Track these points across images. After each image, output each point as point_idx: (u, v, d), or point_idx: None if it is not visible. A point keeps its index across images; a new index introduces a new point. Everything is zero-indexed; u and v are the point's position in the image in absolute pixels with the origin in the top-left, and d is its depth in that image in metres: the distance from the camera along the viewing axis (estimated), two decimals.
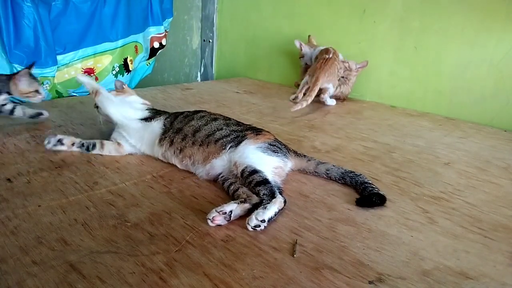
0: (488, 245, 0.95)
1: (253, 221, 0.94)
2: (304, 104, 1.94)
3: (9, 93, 1.54)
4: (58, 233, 0.91)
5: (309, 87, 2.08)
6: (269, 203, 0.99)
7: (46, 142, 1.36)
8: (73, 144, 1.37)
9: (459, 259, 0.88)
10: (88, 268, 0.79)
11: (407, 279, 0.81)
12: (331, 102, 2.19)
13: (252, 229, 0.95)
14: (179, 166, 1.27)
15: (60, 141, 1.36)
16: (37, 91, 1.57)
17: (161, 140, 1.29)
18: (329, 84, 2.12)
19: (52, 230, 0.91)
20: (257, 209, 0.98)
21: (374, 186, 1.15)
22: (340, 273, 0.82)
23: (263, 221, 0.95)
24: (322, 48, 2.25)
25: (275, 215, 0.99)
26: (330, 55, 2.13)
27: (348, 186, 1.21)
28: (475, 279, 0.82)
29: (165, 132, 1.29)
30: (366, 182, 1.17)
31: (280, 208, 1.01)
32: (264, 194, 1.02)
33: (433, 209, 1.10)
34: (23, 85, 1.54)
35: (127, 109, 1.37)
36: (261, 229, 0.95)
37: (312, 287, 0.77)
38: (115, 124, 1.39)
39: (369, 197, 1.11)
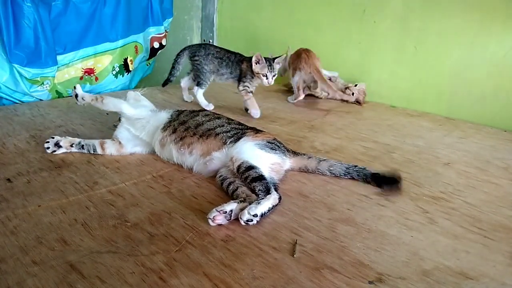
0: (488, 245, 0.95)
1: (245, 215, 0.95)
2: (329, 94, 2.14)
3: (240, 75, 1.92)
4: (58, 233, 0.91)
5: (304, 82, 2.21)
6: (263, 198, 1.00)
7: (46, 147, 1.35)
8: (72, 145, 1.36)
9: (459, 259, 0.88)
10: (88, 268, 0.79)
11: (407, 279, 0.81)
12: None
13: (244, 223, 0.95)
14: (174, 154, 1.27)
15: (57, 144, 1.35)
16: (265, 76, 1.86)
17: (165, 126, 1.31)
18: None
19: (52, 230, 0.91)
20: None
21: (384, 172, 1.22)
22: (340, 273, 0.82)
23: (255, 215, 0.96)
24: (291, 53, 2.31)
25: (268, 210, 1.00)
26: (309, 53, 2.21)
27: (355, 180, 1.23)
28: (475, 279, 0.82)
29: (170, 121, 1.32)
30: (375, 172, 1.22)
31: (274, 204, 1.02)
32: (259, 190, 1.03)
33: (433, 209, 1.10)
34: (257, 66, 1.86)
35: (142, 101, 1.48)
36: (253, 224, 0.96)
37: (312, 287, 0.77)
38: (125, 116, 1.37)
39: (393, 178, 1.18)
